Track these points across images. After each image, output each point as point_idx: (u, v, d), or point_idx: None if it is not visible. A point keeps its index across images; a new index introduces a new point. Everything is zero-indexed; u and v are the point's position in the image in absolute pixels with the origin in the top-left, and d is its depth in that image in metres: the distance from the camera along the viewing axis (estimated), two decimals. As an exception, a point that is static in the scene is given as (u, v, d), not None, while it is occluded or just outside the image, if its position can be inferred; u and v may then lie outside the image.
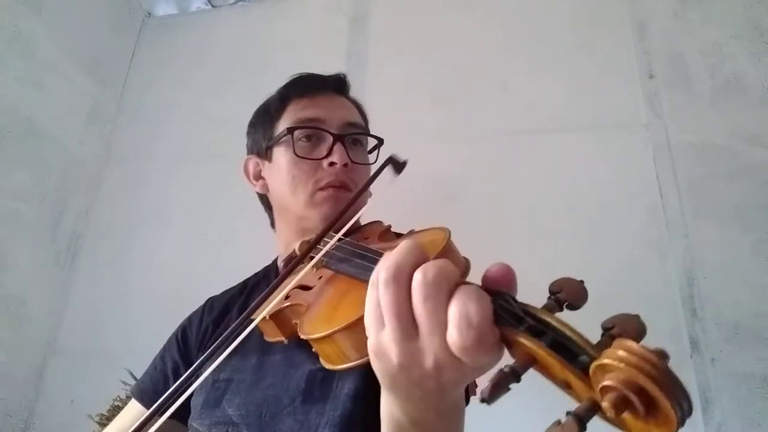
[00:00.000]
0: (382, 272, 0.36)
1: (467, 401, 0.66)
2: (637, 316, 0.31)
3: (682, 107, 1.49)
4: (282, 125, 0.78)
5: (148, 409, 0.78)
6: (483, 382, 0.31)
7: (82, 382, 1.60)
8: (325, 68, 0.91)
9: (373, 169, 0.74)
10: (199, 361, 0.49)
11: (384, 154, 0.85)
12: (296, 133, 0.76)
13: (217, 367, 0.74)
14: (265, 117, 0.83)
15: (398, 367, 0.36)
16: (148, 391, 0.81)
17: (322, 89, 0.82)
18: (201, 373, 0.46)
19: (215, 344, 0.48)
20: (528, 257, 1.02)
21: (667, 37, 1.59)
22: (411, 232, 0.67)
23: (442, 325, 0.33)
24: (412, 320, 0.35)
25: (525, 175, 1.53)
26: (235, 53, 1.99)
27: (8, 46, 1.60)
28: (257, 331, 0.69)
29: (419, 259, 0.36)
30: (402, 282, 0.35)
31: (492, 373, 0.31)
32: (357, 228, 0.78)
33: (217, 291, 0.91)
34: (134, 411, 0.81)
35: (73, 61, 1.84)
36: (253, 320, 0.51)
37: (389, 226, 0.75)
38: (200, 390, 0.75)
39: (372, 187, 0.78)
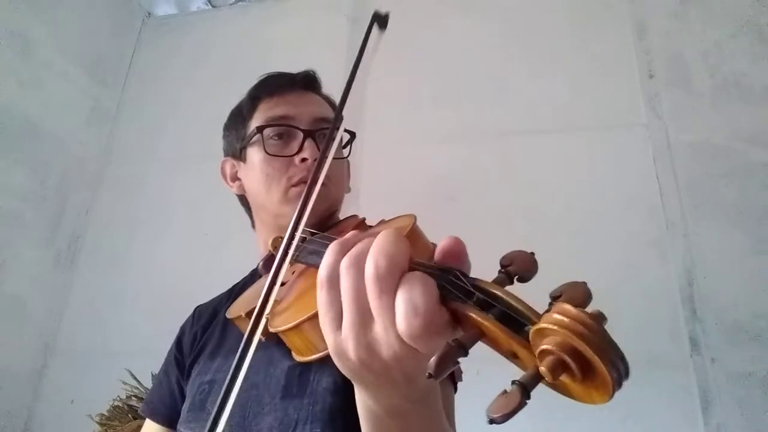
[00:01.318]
0: (341, 269, 0.35)
1: (455, 389, 0.66)
2: (584, 284, 0.31)
3: (682, 107, 1.49)
4: (253, 125, 0.79)
5: (165, 426, 0.78)
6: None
7: (82, 382, 1.60)
8: (325, 68, 0.91)
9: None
10: (229, 377, 0.46)
11: (369, 147, 0.85)
12: (266, 131, 0.76)
13: (202, 370, 0.74)
14: (237, 119, 0.84)
15: (359, 363, 0.36)
16: (160, 408, 0.81)
17: (291, 87, 0.82)
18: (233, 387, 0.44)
19: (239, 353, 0.46)
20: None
21: (667, 37, 1.59)
22: (381, 222, 0.67)
23: (392, 316, 0.33)
24: (368, 311, 0.34)
25: (525, 175, 1.53)
26: (235, 53, 1.99)
27: (8, 46, 1.60)
28: (238, 329, 0.69)
29: (365, 247, 0.35)
30: (359, 278, 0.35)
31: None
32: (334, 224, 0.78)
33: (217, 291, 0.91)
34: (151, 430, 0.81)
35: (73, 61, 1.84)
36: (262, 316, 0.50)
37: (363, 219, 0.76)
38: (187, 394, 0.75)
39: (362, 186, 0.78)
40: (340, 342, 0.36)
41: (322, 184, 0.75)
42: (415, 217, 0.52)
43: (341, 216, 0.84)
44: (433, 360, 0.29)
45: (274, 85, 0.82)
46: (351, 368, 0.37)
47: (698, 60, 1.53)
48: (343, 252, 0.37)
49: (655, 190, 1.41)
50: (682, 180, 1.41)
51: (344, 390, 0.60)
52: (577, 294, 0.30)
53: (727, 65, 1.50)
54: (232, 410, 0.64)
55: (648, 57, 1.57)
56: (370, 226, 0.75)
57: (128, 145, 1.95)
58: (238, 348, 0.64)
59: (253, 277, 0.87)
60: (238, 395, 0.66)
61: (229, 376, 0.42)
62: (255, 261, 0.91)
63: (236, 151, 0.83)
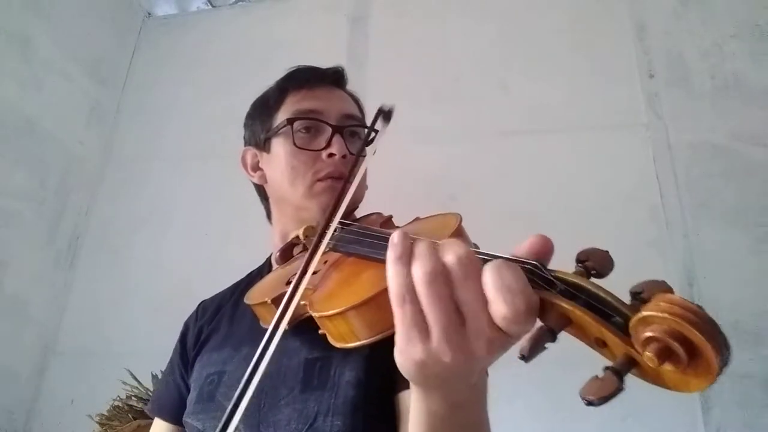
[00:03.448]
0: (418, 278, 0.35)
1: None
2: (663, 282, 0.31)
3: (682, 107, 1.49)
4: (281, 117, 0.79)
5: (174, 423, 0.78)
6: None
7: (82, 382, 1.60)
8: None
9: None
10: (257, 356, 0.45)
11: (387, 149, 0.85)
12: (295, 124, 0.76)
13: (208, 361, 0.74)
14: (263, 109, 0.83)
15: (452, 367, 0.35)
16: (167, 406, 0.81)
17: (320, 82, 0.82)
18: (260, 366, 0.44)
19: (266, 338, 0.45)
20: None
21: (667, 37, 1.59)
22: (416, 220, 0.67)
23: (485, 304, 0.33)
24: (457, 311, 0.35)
25: (525, 175, 1.53)
26: (235, 53, 1.99)
27: (8, 46, 1.60)
28: (248, 320, 0.69)
29: (432, 254, 0.36)
30: (440, 280, 0.35)
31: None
32: (356, 220, 0.78)
33: (218, 290, 0.91)
34: (160, 428, 0.80)
35: (73, 61, 1.84)
36: (297, 292, 0.48)
37: (390, 216, 0.76)
38: (193, 386, 0.74)
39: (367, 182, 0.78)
40: (431, 349, 0.35)
41: (347, 179, 0.76)
42: (461, 217, 0.51)
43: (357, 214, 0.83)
44: (525, 343, 0.30)
45: (303, 78, 0.82)
46: (441, 375, 0.37)
47: (698, 60, 1.53)
48: (407, 263, 0.36)
49: (655, 190, 1.41)
50: (682, 180, 1.41)
51: (366, 384, 0.61)
52: (660, 290, 0.30)
53: (727, 65, 1.50)
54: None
55: (648, 57, 1.58)
56: (397, 226, 0.74)
57: (128, 145, 1.95)
58: (251, 337, 0.62)
59: (261, 271, 0.87)
60: None
61: (252, 363, 0.42)
62: (255, 260, 0.91)
63: (260, 141, 0.82)
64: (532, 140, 1.56)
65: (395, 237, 0.38)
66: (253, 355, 0.56)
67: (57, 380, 1.63)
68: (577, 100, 1.57)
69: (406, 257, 0.37)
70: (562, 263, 0.37)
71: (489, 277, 0.33)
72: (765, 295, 1.25)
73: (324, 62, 0.86)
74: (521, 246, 0.37)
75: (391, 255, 0.37)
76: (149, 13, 2.19)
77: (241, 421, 0.64)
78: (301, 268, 0.47)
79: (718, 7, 1.57)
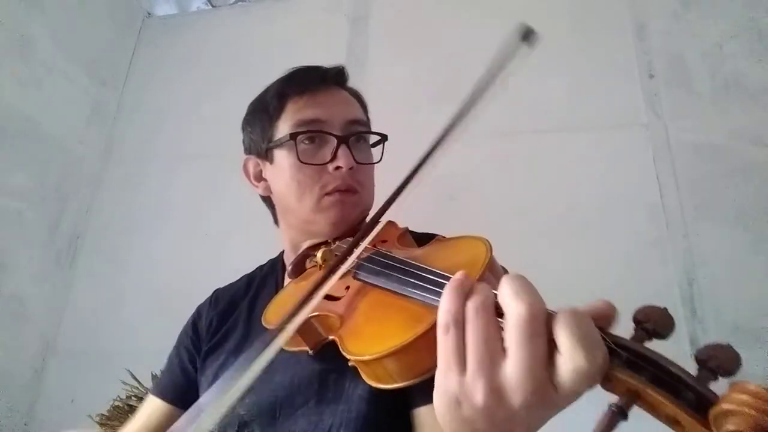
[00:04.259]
0: (470, 313, 0.35)
1: None
2: (729, 346, 0.31)
3: (682, 107, 1.49)
4: (282, 126, 0.76)
5: (169, 403, 0.78)
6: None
7: (82, 382, 1.60)
8: (325, 68, 0.91)
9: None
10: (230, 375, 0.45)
11: (387, 149, 0.85)
12: (299, 137, 0.73)
13: (224, 364, 0.73)
14: (263, 116, 0.80)
15: (483, 408, 0.34)
16: (168, 385, 0.81)
17: (321, 84, 0.78)
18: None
19: (246, 357, 0.45)
20: (528, 257, 1.02)
21: (667, 37, 1.59)
22: (438, 239, 0.64)
23: (543, 356, 0.32)
24: (499, 352, 0.34)
25: (525, 175, 1.53)
26: (235, 53, 1.99)
27: (8, 46, 1.60)
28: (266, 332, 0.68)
29: (490, 292, 0.36)
30: (490, 321, 0.34)
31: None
32: (370, 232, 0.77)
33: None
34: (155, 407, 0.80)
35: (73, 61, 1.84)
36: (283, 331, 0.47)
37: (406, 229, 0.73)
38: (203, 387, 0.75)
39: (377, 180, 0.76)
40: (464, 383, 0.34)
41: (356, 191, 0.74)
42: (491, 246, 0.50)
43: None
44: (596, 429, 0.29)
45: (303, 82, 0.78)
46: (467, 416, 0.35)
47: (698, 60, 1.53)
48: (463, 295, 0.36)
49: (655, 190, 1.41)
50: (682, 180, 1.41)
51: (378, 400, 0.59)
52: (729, 359, 0.30)
53: (727, 65, 1.50)
54: (260, 409, 0.64)
55: (648, 57, 1.57)
56: (414, 235, 0.72)
57: (128, 145, 1.95)
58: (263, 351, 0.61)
59: (274, 269, 0.85)
60: (263, 393, 0.65)
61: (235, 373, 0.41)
62: (255, 259, 0.91)
63: (261, 151, 0.79)
64: (531, 140, 1.56)
65: (459, 275, 0.38)
66: (272, 365, 0.56)
67: (57, 380, 1.63)
68: (577, 100, 1.57)
69: (463, 292, 0.37)
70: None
71: (566, 323, 0.32)
72: (765, 295, 1.25)
73: (324, 62, 0.85)
74: (592, 308, 0.35)
75: (449, 291, 0.37)
76: (149, 13, 2.19)
77: (256, 427, 0.64)
78: (301, 302, 0.45)
79: (718, 8, 1.57)
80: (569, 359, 0.31)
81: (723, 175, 1.39)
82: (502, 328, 0.34)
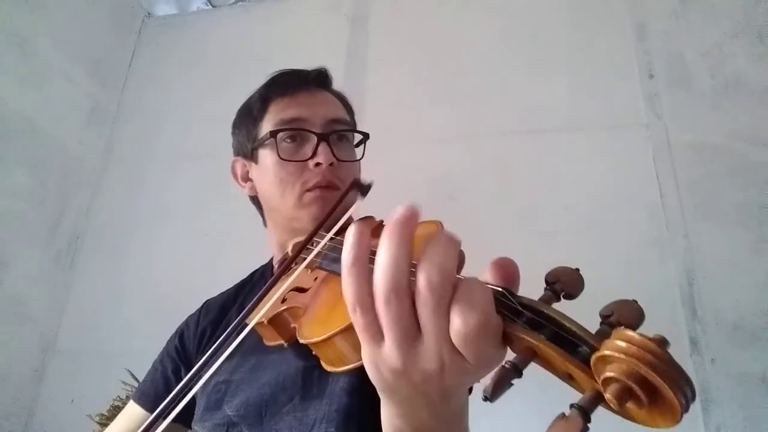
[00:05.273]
0: (379, 289, 0.33)
1: None
2: (634, 302, 0.30)
3: (682, 107, 1.49)
4: (265, 126, 0.78)
5: (147, 411, 0.78)
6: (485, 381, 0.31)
7: (82, 382, 1.60)
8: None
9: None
10: (197, 365, 0.48)
11: (369, 147, 0.85)
12: (280, 135, 0.75)
13: (217, 370, 0.74)
14: (248, 118, 0.82)
15: (400, 373, 0.35)
16: (148, 393, 0.81)
17: (303, 86, 0.80)
18: (200, 377, 0.45)
19: (212, 348, 0.47)
20: (528, 257, 1.02)
21: (667, 37, 1.59)
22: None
23: (446, 324, 0.32)
24: (416, 325, 0.33)
25: (525, 175, 1.53)
26: (235, 53, 1.99)
27: (8, 46, 1.60)
28: (256, 335, 0.69)
29: (408, 262, 0.33)
30: (404, 294, 0.33)
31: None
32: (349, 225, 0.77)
33: (216, 291, 0.91)
34: (133, 413, 0.81)
35: (73, 61, 1.84)
36: (248, 324, 0.50)
37: (381, 222, 0.74)
38: (202, 394, 0.75)
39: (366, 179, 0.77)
40: (380, 352, 0.35)
41: (337, 187, 0.75)
42: (441, 224, 0.50)
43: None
44: (489, 383, 0.29)
45: (285, 84, 0.80)
46: (386, 379, 0.36)
47: (698, 60, 1.53)
48: (364, 272, 0.34)
49: (655, 190, 1.41)
50: (682, 180, 1.41)
51: (360, 391, 0.60)
52: (630, 314, 0.29)
53: (727, 65, 1.50)
54: (246, 409, 0.65)
55: (648, 57, 1.57)
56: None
57: (128, 145, 1.95)
58: (259, 348, 0.63)
59: (264, 275, 0.87)
60: (250, 393, 0.66)
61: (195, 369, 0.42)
62: (255, 259, 0.91)
63: (247, 152, 0.81)
64: (532, 140, 1.56)
65: (351, 234, 0.34)
66: (260, 365, 0.56)
67: (57, 380, 1.63)
68: (576, 100, 1.57)
69: (363, 268, 0.34)
70: (562, 264, 0.36)
71: (458, 297, 0.31)
72: (765, 295, 1.25)
73: (324, 62, 0.85)
74: (486, 271, 0.35)
75: (349, 269, 0.34)
76: (149, 13, 2.19)
77: (244, 427, 0.64)
78: (261, 292, 0.46)
79: (718, 7, 1.57)
80: (452, 324, 0.31)
81: (723, 175, 1.39)
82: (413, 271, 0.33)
